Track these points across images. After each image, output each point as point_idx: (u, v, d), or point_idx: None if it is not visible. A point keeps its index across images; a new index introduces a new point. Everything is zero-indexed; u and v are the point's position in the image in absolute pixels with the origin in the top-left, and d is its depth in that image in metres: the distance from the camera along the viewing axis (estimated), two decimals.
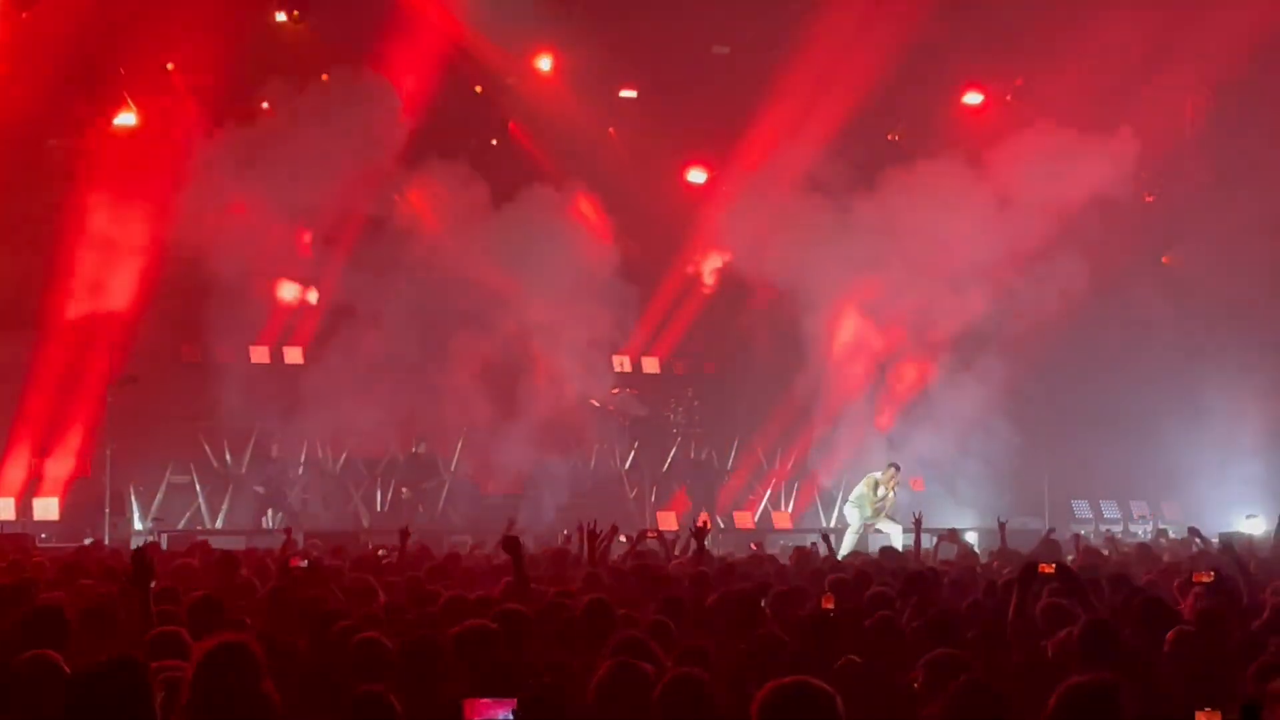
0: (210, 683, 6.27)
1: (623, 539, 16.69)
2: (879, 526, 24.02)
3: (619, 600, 11.03)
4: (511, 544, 10.71)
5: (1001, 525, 18.35)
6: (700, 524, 15.08)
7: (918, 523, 17.89)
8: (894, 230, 26.40)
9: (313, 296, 27.32)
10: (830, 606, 9.79)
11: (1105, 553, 18.23)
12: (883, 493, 24.11)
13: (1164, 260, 30.13)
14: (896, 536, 22.71)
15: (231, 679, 6.30)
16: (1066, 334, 27.60)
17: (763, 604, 10.43)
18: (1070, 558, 15.46)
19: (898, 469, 24.51)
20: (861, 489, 24.34)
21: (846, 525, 24.68)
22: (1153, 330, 28.17)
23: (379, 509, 26.94)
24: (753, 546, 18.31)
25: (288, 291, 27.18)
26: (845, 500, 25.44)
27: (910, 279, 26.83)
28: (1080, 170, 25.90)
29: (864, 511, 24.15)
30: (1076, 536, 19.66)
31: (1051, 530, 19.24)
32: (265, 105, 26.04)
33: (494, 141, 29.29)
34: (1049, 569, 9.10)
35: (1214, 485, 27.45)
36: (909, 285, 26.93)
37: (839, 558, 18.05)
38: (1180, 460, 27.83)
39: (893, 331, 27.79)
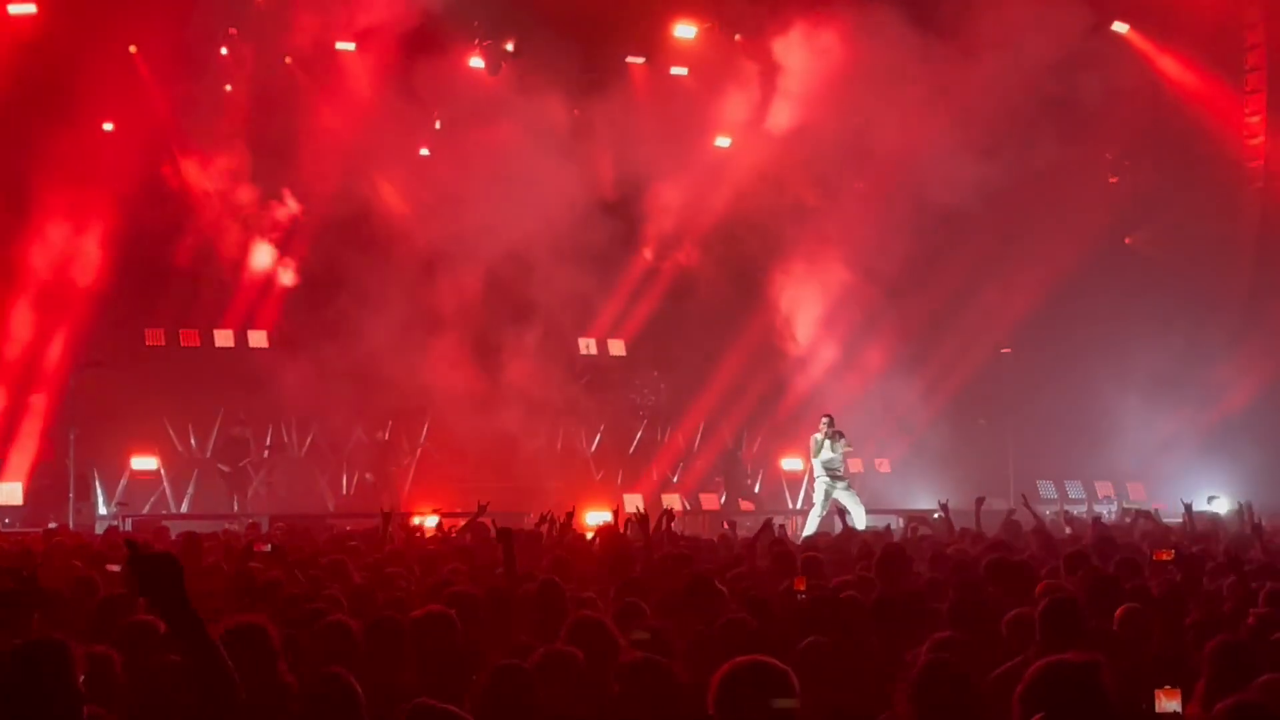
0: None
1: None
2: (842, 501, 23.80)
3: (587, 581, 11.07)
4: (504, 535, 10.67)
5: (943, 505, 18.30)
6: (668, 510, 15.11)
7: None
8: None
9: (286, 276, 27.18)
10: (802, 588, 9.80)
11: (1067, 530, 18.30)
12: (828, 448, 23.65)
13: (1127, 241, 30.24)
14: (860, 518, 22.72)
15: (248, 662, 6.28)
16: (1031, 313, 27.79)
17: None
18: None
19: (831, 420, 23.87)
20: (814, 460, 24.07)
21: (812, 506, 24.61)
22: (1119, 313, 28.33)
23: (344, 493, 26.92)
24: (725, 526, 18.32)
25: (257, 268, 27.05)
26: (811, 481, 25.40)
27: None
28: None
29: (828, 480, 23.74)
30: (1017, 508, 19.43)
31: (1013, 511, 19.23)
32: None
33: None
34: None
35: (1178, 467, 27.62)
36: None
37: (802, 537, 18.07)
38: (1145, 441, 27.98)
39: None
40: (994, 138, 25.88)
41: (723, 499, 27.53)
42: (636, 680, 6.10)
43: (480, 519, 16.90)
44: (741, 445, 28.78)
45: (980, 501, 18.04)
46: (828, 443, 23.65)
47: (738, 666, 5.00)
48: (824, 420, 23.96)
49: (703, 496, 27.46)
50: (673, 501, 25.95)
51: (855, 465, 25.04)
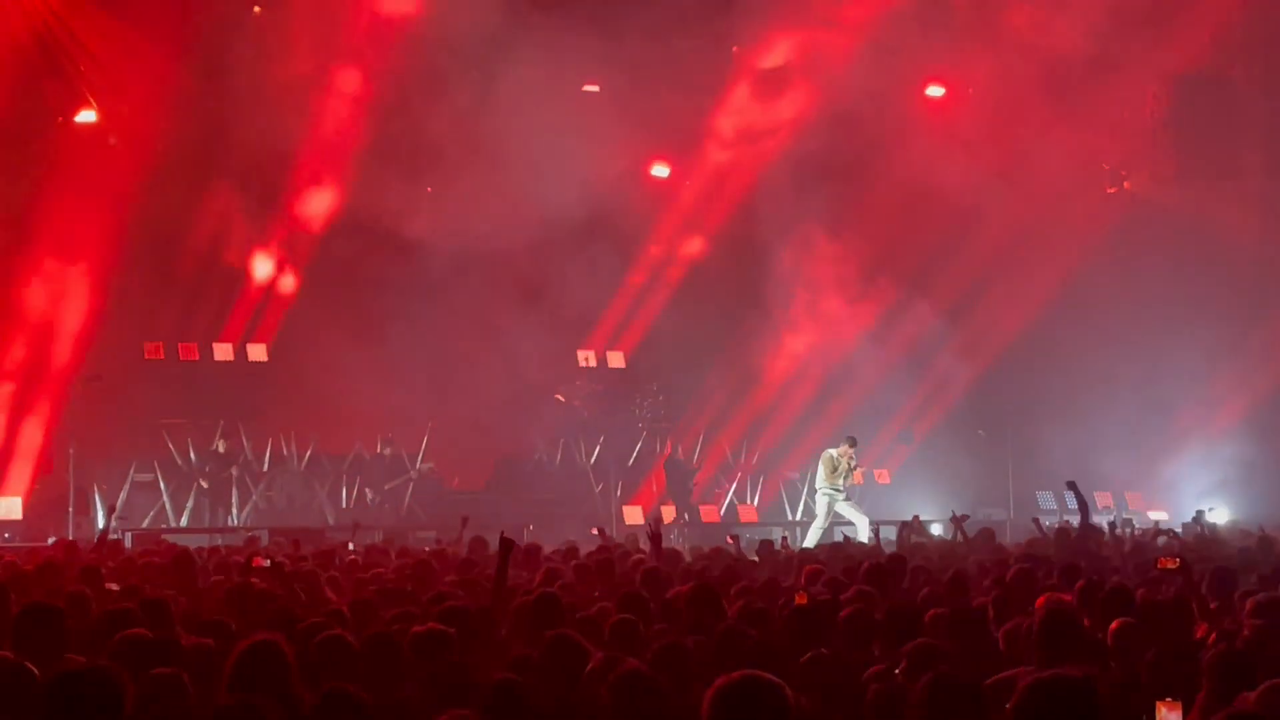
0: (244, 682, 6.26)
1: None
2: (844, 513, 23.75)
3: (581, 598, 11.05)
4: (505, 545, 10.67)
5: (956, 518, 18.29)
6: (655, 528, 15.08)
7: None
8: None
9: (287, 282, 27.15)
10: (804, 602, 9.77)
11: None
12: (842, 467, 23.59)
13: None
14: (863, 529, 22.68)
15: (265, 679, 6.29)
16: (1029, 326, 27.77)
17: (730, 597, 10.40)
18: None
19: (854, 443, 23.90)
20: (820, 470, 24.01)
21: (813, 518, 24.56)
22: (1115, 321, 28.30)
23: (343, 506, 26.89)
24: (729, 539, 18.29)
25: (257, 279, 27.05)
26: (810, 492, 25.40)
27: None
28: None
29: (831, 492, 23.68)
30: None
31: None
32: None
33: None
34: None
35: (1177, 476, 27.59)
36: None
37: (802, 548, 18.03)
38: (1143, 452, 27.94)
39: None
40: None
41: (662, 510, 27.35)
42: (627, 693, 6.09)
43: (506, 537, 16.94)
44: (677, 451, 28.80)
45: (965, 517, 18.10)
46: (845, 462, 23.55)
47: (730, 682, 4.98)
48: (849, 442, 23.80)
49: (703, 509, 27.37)
50: (669, 513, 26.01)
51: (856, 477, 24.94)
